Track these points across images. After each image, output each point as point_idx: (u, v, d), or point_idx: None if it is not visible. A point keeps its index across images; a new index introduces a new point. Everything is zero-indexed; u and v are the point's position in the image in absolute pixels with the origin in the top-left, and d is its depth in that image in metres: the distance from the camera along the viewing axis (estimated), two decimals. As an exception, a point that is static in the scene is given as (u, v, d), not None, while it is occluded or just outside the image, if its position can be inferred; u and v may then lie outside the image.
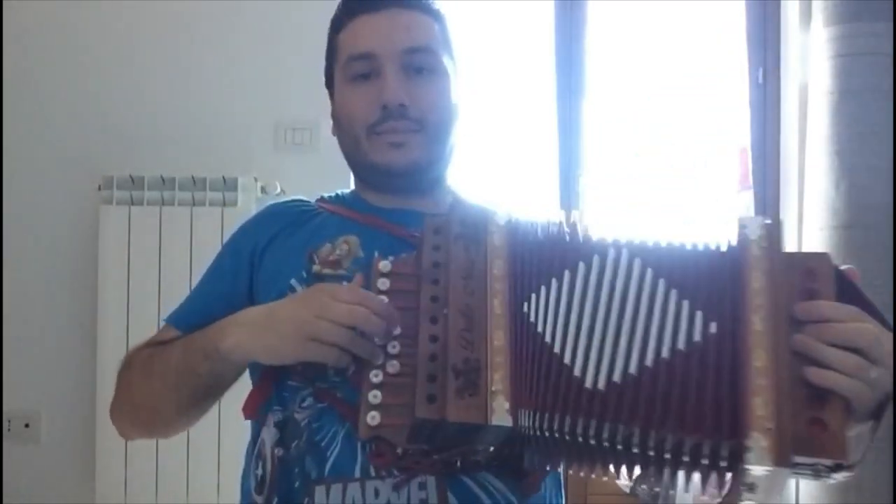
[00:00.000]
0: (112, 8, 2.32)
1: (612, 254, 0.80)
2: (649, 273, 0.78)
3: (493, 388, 0.74)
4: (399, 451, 0.80)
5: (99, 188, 2.19)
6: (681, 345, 0.74)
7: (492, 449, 0.75)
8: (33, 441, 2.28)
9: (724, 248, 0.78)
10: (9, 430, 2.28)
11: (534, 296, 0.81)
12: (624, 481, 2.40)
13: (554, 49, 2.33)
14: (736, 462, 0.69)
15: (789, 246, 2.27)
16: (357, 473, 0.90)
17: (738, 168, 2.29)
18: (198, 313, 1.05)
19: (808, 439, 0.68)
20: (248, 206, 2.17)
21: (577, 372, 0.76)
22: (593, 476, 0.81)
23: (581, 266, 0.81)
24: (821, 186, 1.96)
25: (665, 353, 0.74)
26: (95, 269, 2.19)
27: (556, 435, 0.76)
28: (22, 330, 2.27)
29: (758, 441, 0.67)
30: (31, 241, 2.30)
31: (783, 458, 0.67)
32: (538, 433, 0.77)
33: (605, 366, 0.76)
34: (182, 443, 2.12)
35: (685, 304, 0.76)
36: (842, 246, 1.91)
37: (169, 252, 2.16)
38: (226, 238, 1.14)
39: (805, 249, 2.03)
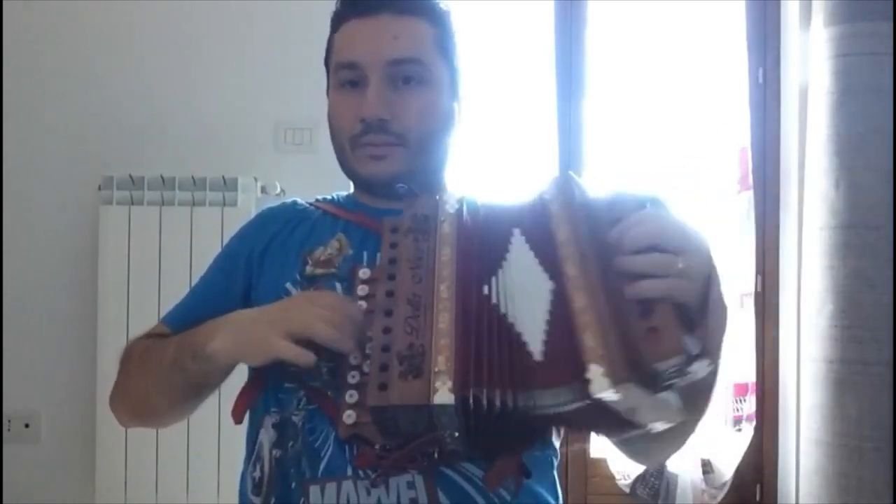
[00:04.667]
0: (112, 8, 2.33)
1: (515, 233, 0.85)
2: (524, 241, 0.84)
3: (437, 369, 0.76)
4: (377, 447, 0.82)
5: (99, 188, 2.20)
6: (549, 306, 0.79)
7: (457, 434, 0.76)
8: (33, 441, 2.28)
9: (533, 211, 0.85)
10: (9, 430, 2.28)
11: (494, 278, 0.83)
12: (624, 481, 2.41)
13: (554, 49, 2.33)
14: (587, 397, 0.72)
15: (790, 245, 2.25)
16: (350, 472, 0.91)
17: (738, 168, 2.29)
18: (189, 318, 1.06)
19: (648, 349, 0.72)
20: (248, 206, 2.18)
21: (529, 347, 0.79)
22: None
23: (509, 244, 0.85)
24: (821, 186, 1.96)
25: (547, 315, 0.79)
26: (95, 269, 2.19)
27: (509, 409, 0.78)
28: (22, 330, 2.28)
29: (595, 371, 0.72)
30: (31, 241, 2.30)
31: (620, 378, 0.71)
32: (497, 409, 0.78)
33: (536, 336, 0.79)
34: (182, 443, 2.12)
35: (540, 267, 0.81)
36: (842, 246, 1.91)
37: (169, 252, 2.16)
38: (226, 238, 1.15)
39: (804, 249, 2.03)
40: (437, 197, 0.91)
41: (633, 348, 0.72)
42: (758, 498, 2.24)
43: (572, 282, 0.78)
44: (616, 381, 0.71)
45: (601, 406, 0.73)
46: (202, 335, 0.93)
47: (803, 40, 2.11)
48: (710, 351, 0.72)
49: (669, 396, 0.76)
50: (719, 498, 2.14)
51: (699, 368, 0.72)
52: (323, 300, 0.88)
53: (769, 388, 2.22)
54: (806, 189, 2.04)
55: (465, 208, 0.89)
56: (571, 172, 0.87)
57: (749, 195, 2.24)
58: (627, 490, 2.16)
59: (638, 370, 0.72)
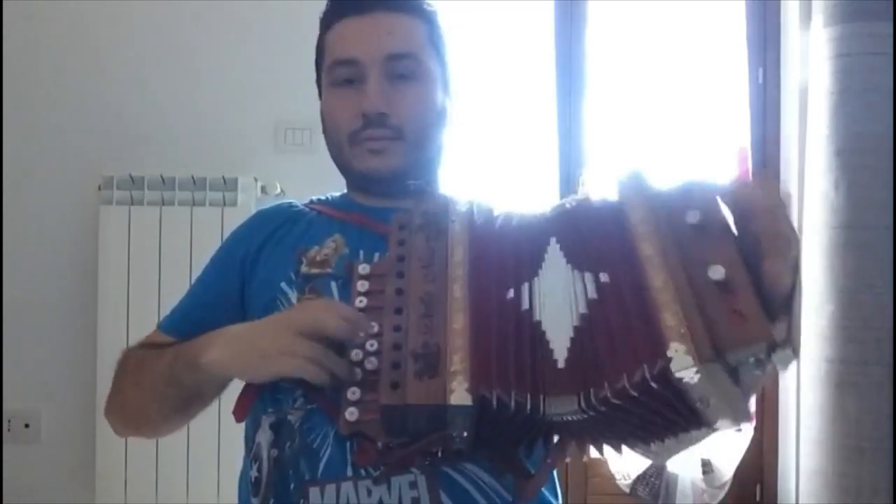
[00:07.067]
0: (112, 8, 2.33)
1: (551, 242, 0.83)
2: (559, 249, 0.82)
3: (452, 369, 0.75)
4: (380, 445, 0.81)
5: (99, 188, 2.20)
6: (583, 309, 0.77)
7: (465, 434, 0.76)
8: (33, 441, 2.29)
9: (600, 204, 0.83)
10: (9, 430, 2.28)
11: (527, 283, 0.82)
12: (624, 481, 2.40)
13: (554, 49, 2.33)
14: (666, 376, 0.68)
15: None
16: (350, 473, 0.91)
17: (738, 168, 2.29)
18: (187, 321, 1.06)
19: (731, 333, 0.67)
20: (248, 206, 2.18)
21: (556, 355, 0.77)
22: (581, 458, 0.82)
23: (542, 253, 0.83)
24: (821, 186, 1.96)
25: (577, 321, 0.77)
26: (95, 269, 2.19)
27: (541, 414, 0.76)
28: (22, 330, 2.28)
29: (677, 349, 0.67)
30: (31, 241, 2.30)
31: (704, 355, 0.67)
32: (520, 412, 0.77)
33: (561, 343, 0.77)
34: (182, 443, 2.12)
35: (575, 271, 0.79)
36: (842, 246, 1.91)
37: (169, 252, 2.16)
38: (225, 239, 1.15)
39: (804, 249, 2.03)
40: (445, 196, 0.90)
41: (716, 330, 0.68)
42: (758, 498, 2.24)
43: (648, 262, 0.74)
44: (701, 359, 0.66)
45: (672, 394, 0.69)
46: (197, 347, 0.92)
47: (803, 40, 2.10)
48: (795, 341, 0.69)
49: (741, 392, 0.70)
50: (719, 498, 2.14)
51: (783, 359, 0.68)
52: (318, 304, 0.88)
53: (769, 388, 2.22)
54: (806, 189, 2.04)
55: (475, 210, 0.89)
56: (640, 168, 0.83)
57: (749, 195, 2.24)
58: (627, 490, 2.16)
59: (722, 353, 0.67)
